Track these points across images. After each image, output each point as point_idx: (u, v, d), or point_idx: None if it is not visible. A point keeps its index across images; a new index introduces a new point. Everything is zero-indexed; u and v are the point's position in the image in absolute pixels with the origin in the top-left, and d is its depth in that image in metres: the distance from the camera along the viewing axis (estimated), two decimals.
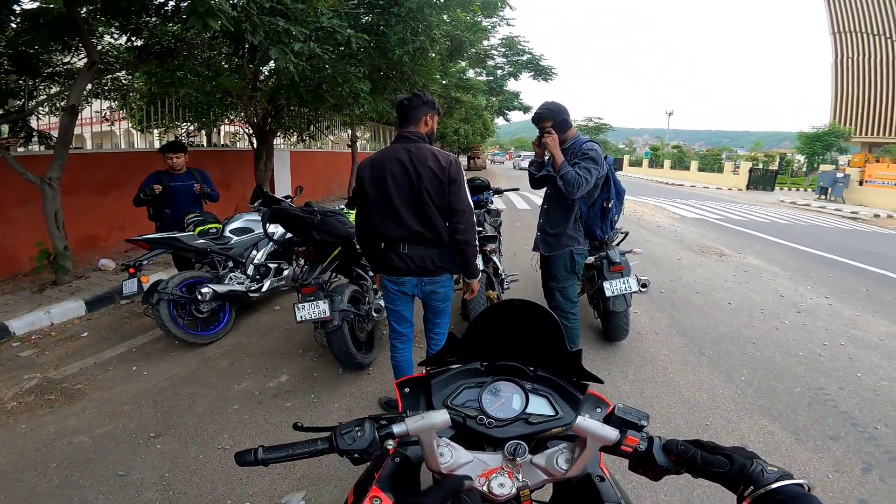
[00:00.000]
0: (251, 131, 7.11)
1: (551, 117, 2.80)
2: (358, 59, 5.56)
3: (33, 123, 5.06)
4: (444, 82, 12.43)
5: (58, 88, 5.13)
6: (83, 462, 2.23)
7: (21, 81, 4.70)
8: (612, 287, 3.26)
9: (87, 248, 5.34)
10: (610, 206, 3.04)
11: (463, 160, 34.18)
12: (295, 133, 8.52)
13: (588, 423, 0.78)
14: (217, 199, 4.30)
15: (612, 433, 0.78)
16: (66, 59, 5.00)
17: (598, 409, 1.02)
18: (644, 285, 3.37)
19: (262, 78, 6.39)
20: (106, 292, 4.34)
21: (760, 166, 26.33)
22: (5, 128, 4.75)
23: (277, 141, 8.16)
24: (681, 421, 2.63)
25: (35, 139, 4.98)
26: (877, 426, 2.62)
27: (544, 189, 3.13)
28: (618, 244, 3.66)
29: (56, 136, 4.61)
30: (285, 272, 4.12)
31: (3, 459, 2.24)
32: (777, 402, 2.86)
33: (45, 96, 5.06)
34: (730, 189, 23.92)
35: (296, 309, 2.77)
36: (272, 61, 4.07)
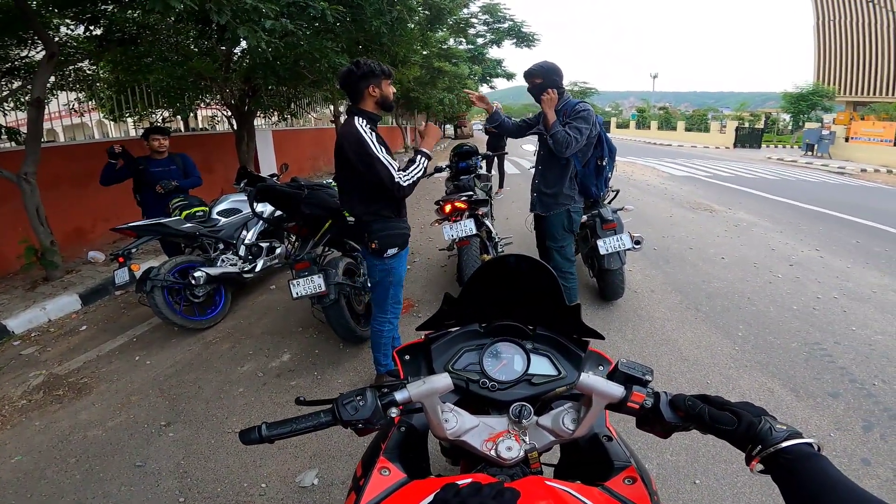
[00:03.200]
0: (230, 113, 6.92)
1: (541, 75, 2.80)
2: (334, 34, 5.38)
3: (1, 120, 4.88)
4: (424, 52, 12.13)
5: (20, 83, 4.94)
6: (100, 455, 2.25)
7: None
8: (605, 245, 3.27)
9: (75, 242, 5.23)
10: (604, 163, 3.04)
11: (450, 129, 33.74)
12: (276, 112, 8.31)
13: (592, 379, 0.76)
14: (200, 184, 4.23)
15: (617, 389, 0.76)
16: (24, 54, 4.79)
17: (601, 367, 1.01)
18: (637, 242, 3.39)
19: (235, 58, 6.18)
20: (99, 284, 4.28)
21: (746, 125, 26.32)
22: None
23: (258, 121, 7.98)
24: (681, 379, 2.65)
25: (3, 136, 4.81)
26: (874, 382, 2.62)
27: (535, 151, 3.13)
28: (609, 202, 3.66)
29: (25, 131, 4.47)
30: (277, 250, 4.09)
31: (22, 458, 2.25)
32: (775, 358, 2.87)
33: (8, 92, 4.86)
34: (717, 148, 23.96)
35: (291, 286, 2.75)
36: (243, 41, 3.91)
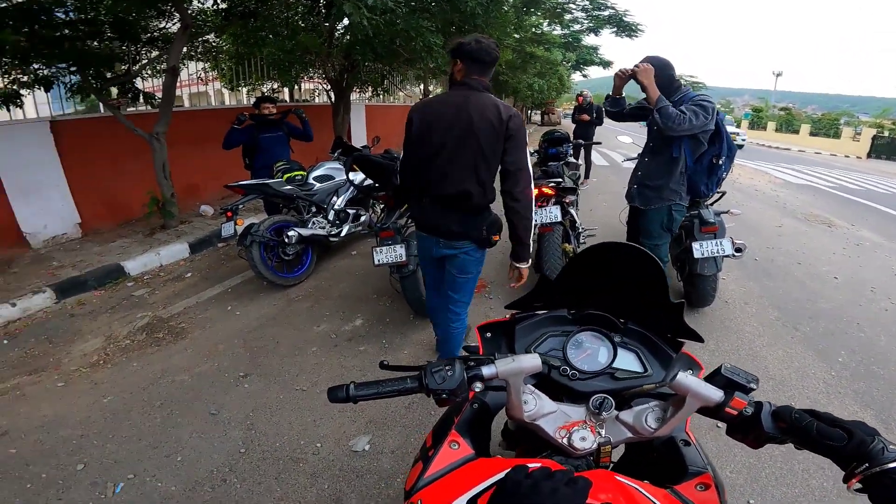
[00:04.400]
0: (329, 87, 7.30)
1: (657, 71, 2.58)
2: (430, 13, 5.43)
3: (139, 85, 5.55)
4: (517, 36, 11.84)
5: (157, 52, 5.55)
6: (182, 401, 2.39)
7: (124, 48, 5.13)
8: (702, 248, 3.01)
9: (189, 196, 5.87)
10: (720, 162, 2.80)
11: (536, 116, 32.90)
12: (370, 87, 8.63)
13: (690, 380, 0.73)
14: (311, 139, 4.64)
15: (716, 394, 0.73)
16: (161, 25, 5.37)
17: (691, 371, 0.94)
18: (739, 249, 3.08)
19: (337, 35, 6.48)
20: (206, 235, 4.77)
21: (887, 134, 22.63)
22: (114, 90, 5.22)
23: (353, 95, 8.33)
24: (762, 397, 2.40)
25: (141, 99, 5.47)
26: None
27: (631, 143, 2.93)
28: (712, 203, 3.36)
29: (159, 95, 5.04)
30: (362, 218, 4.30)
31: (114, 398, 2.42)
32: (874, 389, 2.57)
33: (147, 60, 5.49)
34: (846, 157, 20.93)
35: (374, 252, 2.85)
36: (346, 17, 4.07)
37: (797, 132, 27.63)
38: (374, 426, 2.20)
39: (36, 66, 4.37)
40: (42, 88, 4.51)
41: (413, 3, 4.93)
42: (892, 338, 3.16)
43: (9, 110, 4.38)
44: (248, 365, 2.71)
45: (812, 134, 26.50)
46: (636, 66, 2.55)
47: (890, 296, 3.89)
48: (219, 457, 2.03)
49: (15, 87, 4.30)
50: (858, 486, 0.61)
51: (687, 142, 2.66)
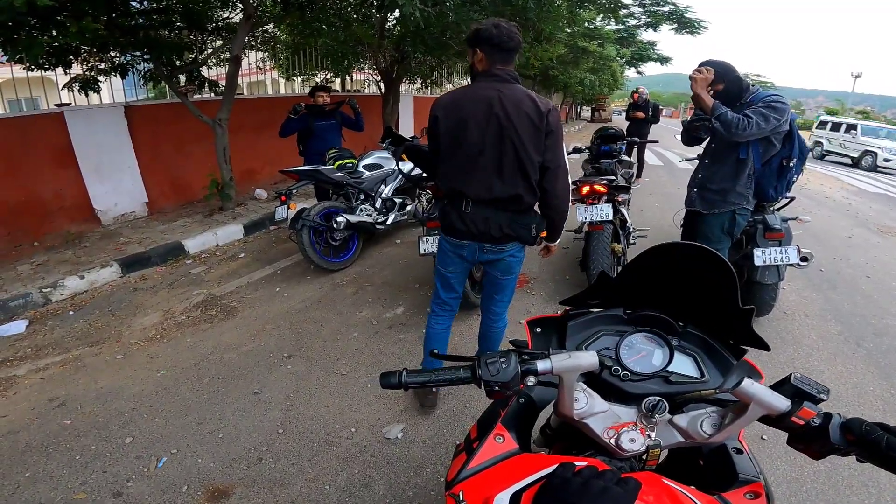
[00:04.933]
0: (379, 78, 7.42)
1: (721, 78, 2.46)
2: (481, 6, 5.38)
3: (204, 73, 5.84)
4: (569, 31, 11.52)
5: (221, 42, 5.81)
6: (229, 378, 2.46)
7: (192, 37, 5.40)
8: (764, 255, 2.84)
9: (246, 180, 6.15)
10: (790, 164, 2.63)
11: (586, 112, 32.03)
12: (419, 79, 8.70)
13: (756, 388, 0.71)
14: (362, 129, 4.74)
15: (783, 403, 0.70)
16: (225, 15, 5.61)
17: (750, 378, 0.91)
18: (805, 259, 2.88)
19: (388, 26, 6.55)
20: (259, 218, 4.99)
21: None
22: (182, 77, 5.51)
23: (402, 87, 8.43)
24: None
25: (206, 87, 5.75)
26: None
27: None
28: (780, 209, 3.16)
29: (222, 83, 5.27)
30: (408, 207, 4.37)
31: (166, 372, 2.51)
32: None
33: (212, 49, 5.75)
34: None
35: (420, 241, 2.87)
36: (398, 9, 4.10)
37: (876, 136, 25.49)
38: (408, 415, 2.23)
39: (112, 54, 4.68)
40: (118, 75, 4.84)
41: None
42: None
43: (87, 95, 4.71)
44: (292, 346, 2.79)
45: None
46: (692, 74, 2.41)
47: None
48: (258, 435, 2.08)
49: (93, 74, 4.63)
50: None
51: (756, 143, 2.51)
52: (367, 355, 2.71)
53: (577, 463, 0.61)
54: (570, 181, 1.84)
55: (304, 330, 2.98)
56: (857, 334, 3.16)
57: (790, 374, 0.75)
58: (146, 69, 5.12)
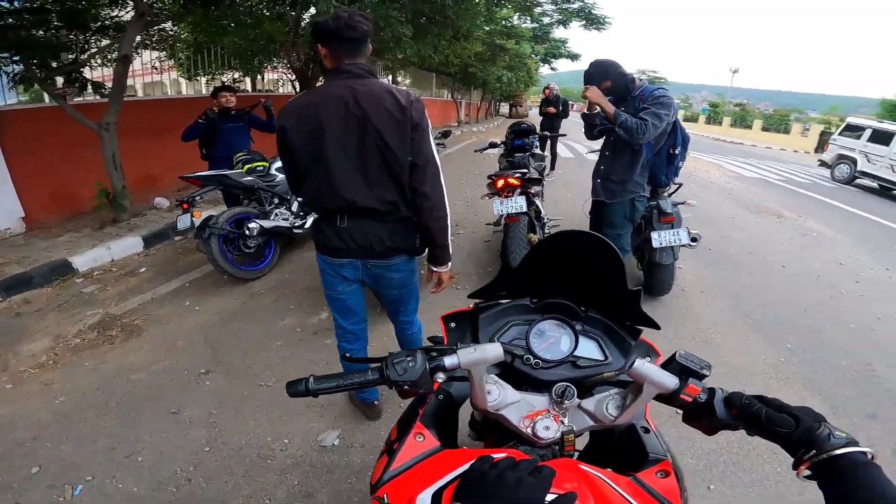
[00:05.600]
0: (294, 77, 7.13)
1: (607, 76, 2.67)
2: (399, 3, 5.37)
3: (88, 74, 5.27)
4: (487, 28, 11.86)
5: (108, 41, 5.29)
6: (140, 400, 2.32)
7: (72, 36, 4.87)
8: (660, 238, 3.12)
9: (144, 188, 5.61)
10: (676, 152, 2.90)
11: (504, 107, 33.13)
12: None
13: (647, 367, 0.74)
14: (275, 131, 4.42)
15: (671, 380, 0.74)
16: (114, 14, 5.12)
17: (649, 358, 0.97)
18: (694, 239, 3.22)
19: (303, 24, 6.32)
20: (161, 229, 4.58)
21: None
22: (59, 79, 4.96)
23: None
24: (716, 383, 2.53)
25: (89, 89, 5.20)
26: None
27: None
28: (670, 194, 3.48)
29: (110, 85, 4.78)
30: None
31: (66, 399, 2.33)
32: (820, 374, 2.74)
33: (97, 49, 5.23)
34: (795, 151, 22.16)
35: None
36: (313, 6, 3.97)
37: (750, 127, 29.04)
38: (343, 421, 2.19)
39: None
40: None
41: None
42: (836, 325, 3.36)
43: None
44: (210, 362, 2.64)
45: (764, 129, 27.90)
46: (585, 94, 2.65)
47: (834, 284, 4.15)
48: (182, 455, 1.97)
49: None
50: (807, 472, 0.62)
51: None
52: (294, 364, 2.62)
53: (495, 455, 0.62)
54: (442, 180, 1.64)
55: (222, 344, 2.82)
56: (746, 307, 3.56)
57: (675, 352, 0.79)
58: (15, 71, 4.51)
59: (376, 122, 1.51)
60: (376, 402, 2.20)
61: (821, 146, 21.82)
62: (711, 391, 0.73)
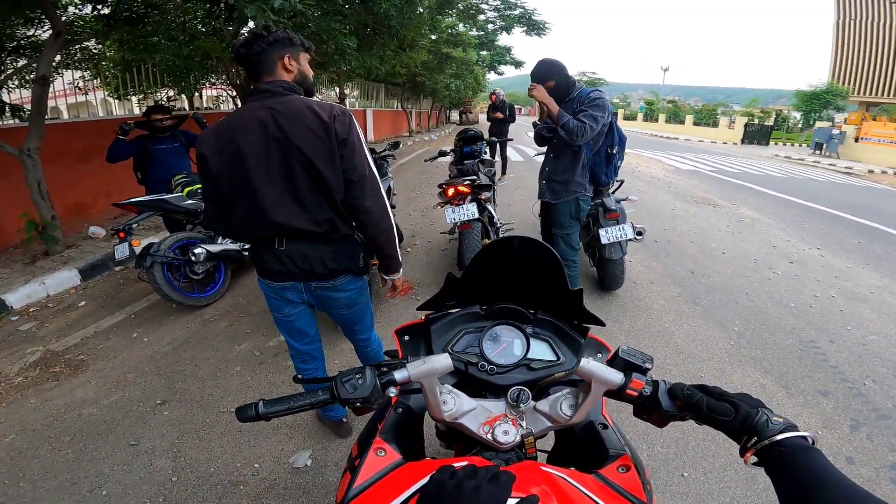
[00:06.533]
0: (234, 93, 6.91)
1: (552, 76, 2.77)
2: (343, 15, 5.34)
3: (4, 97, 4.89)
4: (433, 37, 12.01)
5: (25, 61, 4.94)
6: (95, 434, 2.24)
7: None
8: (607, 234, 3.26)
9: (75, 217, 5.25)
10: (614, 152, 3.03)
11: (455, 114, 33.58)
12: None
13: (592, 365, 0.75)
14: None
15: (616, 376, 0.75)
16: (31, 33, 4.79)
17: (600, 354, 1.00)
18: (639, 233, 3.38)
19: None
20: (99, 259, 4.29)
21: (756, 122, 26.09)
22: None
23: None
24: (675, 371, 2.66)
25: (7, 112, 4.82)
26: (865, 382, 2.63)
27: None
28: (613, 192, 3.64)
29: (30, 108, 4.46)
30: None
31: (16, 437, 2.24)
32: (769, 355, 2.88)
33: (13, 70, 4.87)
34: (724, 143, 23.76)
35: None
36: (251, 21, 3.88)
37: (683, 122, 30.96)
38: (313, 440, 2.15)
39: None
40: None
41: (325, 6, 4.81)
42: (777, 305, 3.60)
43: None
44: (165, 392, 2.54)
45: (695, 124, 29.82)
46: (531, 93, 2.77)
47: (771, 265, 4.46)
48: (149, 487, 1.91)
49: None
50: (754, 459, 0.62)
51: None
52: (255, 388, 2.55)
53: (456, 465, 0.62)
54: (382, 192, 1.58)
55: (177, 373, 2.70)
56: (693, 294, 3.75)
57: (618, 348, 0.80)
58: None
59: (299, 143, 1.43)
60: (345, 420, 2.17)
61: (747, 136, 23.60)
62: (655, 384, 0.75)
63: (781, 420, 0.62)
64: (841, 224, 6.41)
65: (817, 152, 17.67)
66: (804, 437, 0.60)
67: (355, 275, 1.74)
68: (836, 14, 46.10)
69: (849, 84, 38.48)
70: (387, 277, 1.77)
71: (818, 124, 20.86)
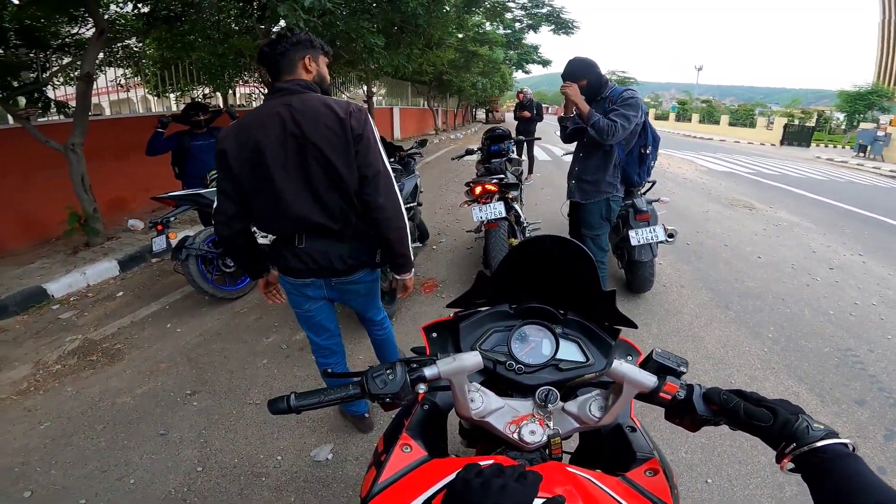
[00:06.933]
0: (266, 91, 7.06)
1: (585, 74, 2.71)
2: (371, 14, 5.39)
3: (50, 94, 5.13)
4: (460, 36, 11.99)
5: (70, 59, 5.16)
6: (127, 422, 2.30)
7: (32, 55, 4.74)
8: (637, 236, 3.19)
9: (116, 210, 5.47)
10: (647, 152, 2.97)
11: (481, 113, 33.45)
12: None
13: (625, 367, 0.74)
14: None
15: (649, 379, 0.74)
16: (75, 31, 5.00)
17: (630, 357, 0.98)
18: (671, 235, 3.29)
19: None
20: (137, 251, 4.46)
21: (796, 122, 25.07)
22: (22, 100, 4.79)
23: None
24: (705, 377, 2.59)
25: (53, 109, 5.05)
26: None
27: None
28: (644, 193, 3.56)
29: (74, 104, 4.67)
30: None
31: (51, 424, 2.30)
32: (804, 362, 2.79)
33: (58, 67, 5.09)
34: (762, 144, 22.92)
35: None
36: (282, 19, 3.96)
37: (718, 123, 30.00)
38: (335, 435, 2.18)
39: None
40: None
41: (354, 4, 4.87)
42: (815, 311, 3.46)
43: None
44: (195, 382, 2.61)
45: (731, 124, 28.86)
46: (563, 90, 2.70)
47: (809, 271, 4.28)
48: (175, 477, 1.95)
49: None
50: (791, 466, 0.62)
51: None
52: (281, 380, 2.60)
53: (482, 463, 0.61)
54: (396, 190, 1.61)
55: (207, 364, 2.77)
56: (726, 299, 3.64)
57: (652, 350, 0.78)
58: None
59: (315, 139, 1.47)
60: (367, 415, 2.20)
61: (786, 138, 22.70)
62: (690, 388, 0.74)
63: (822, 427, 0.61)
64: (885, 229, 6.11)
65: (861, 155, 16.87)
66: (845, 444, 0.59)
67: (371, 269, 1.79)
68: (881, 13, 44.22)
69: (895, 84, 36.66)
70: (398, 277, 1.77)
71: (862, 126, 19.89)
